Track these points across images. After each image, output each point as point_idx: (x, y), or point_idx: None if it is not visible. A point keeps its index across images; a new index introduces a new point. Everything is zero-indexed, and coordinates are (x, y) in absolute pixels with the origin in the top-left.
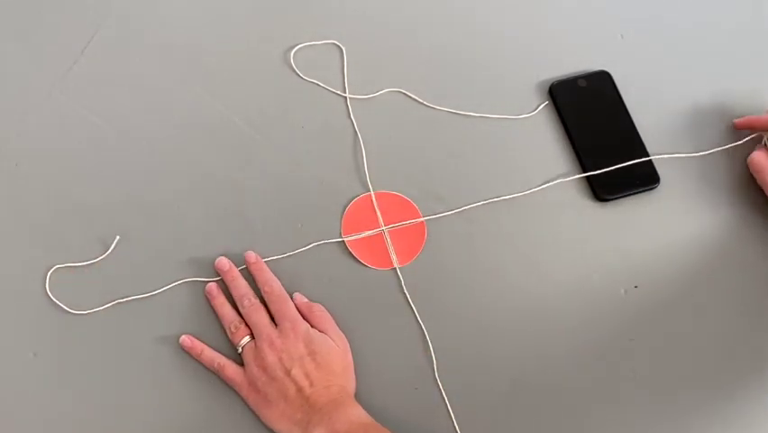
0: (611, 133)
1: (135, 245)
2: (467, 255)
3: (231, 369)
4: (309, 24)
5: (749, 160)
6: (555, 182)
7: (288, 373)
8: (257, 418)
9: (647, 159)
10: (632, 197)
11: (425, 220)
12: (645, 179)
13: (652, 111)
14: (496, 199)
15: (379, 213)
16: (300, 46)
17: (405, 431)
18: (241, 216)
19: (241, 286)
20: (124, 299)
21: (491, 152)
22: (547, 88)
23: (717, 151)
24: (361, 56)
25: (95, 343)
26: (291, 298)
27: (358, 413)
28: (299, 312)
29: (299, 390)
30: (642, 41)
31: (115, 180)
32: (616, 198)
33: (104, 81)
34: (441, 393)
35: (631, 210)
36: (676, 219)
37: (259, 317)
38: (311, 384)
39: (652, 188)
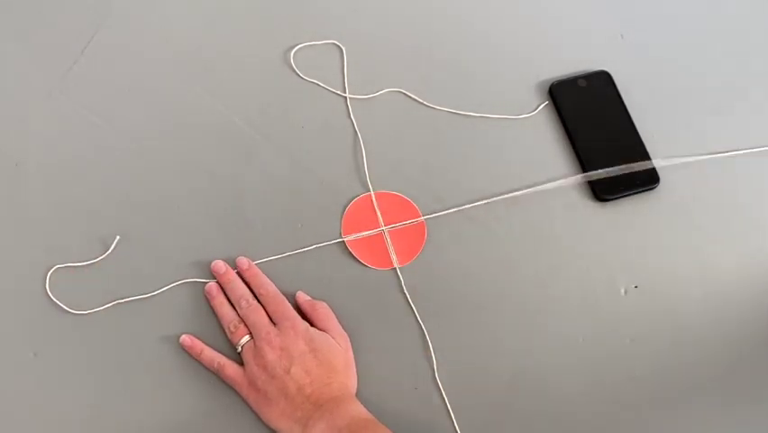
0: (611, 132)
1: (135, 245)
2: (467, 255)
3: (231, 368)
4: (309, 24)
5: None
6: (555, 183)
7: (287, 371)
8: (257, 417)
9: (648, 161)
10: (632, 197)
11: (425, 220)
12: (645, 179)
13: (652, 111)
14: (496, 199)
15: (379, 213)
16: (300, 46)
17: (405, 431)
18: (241, 216)
19: (238, 288)
20: (124, 300)
21: (491, 152)
22: (547, 88)
23: (717, 150)
24: (361, 56)
25: (95, 343)
26: (294, 295)
27: (359, 410)
28: (302, 309)
29: (300, 387)
30: (642, 41)
31: (115, 180)
32: (616, 198)
33: (104, 81)
34: (441, 393)
35: (631, 210)
36: (676, 219)
37: (257, 316)
38: (311, 382)
39: (652, 188)
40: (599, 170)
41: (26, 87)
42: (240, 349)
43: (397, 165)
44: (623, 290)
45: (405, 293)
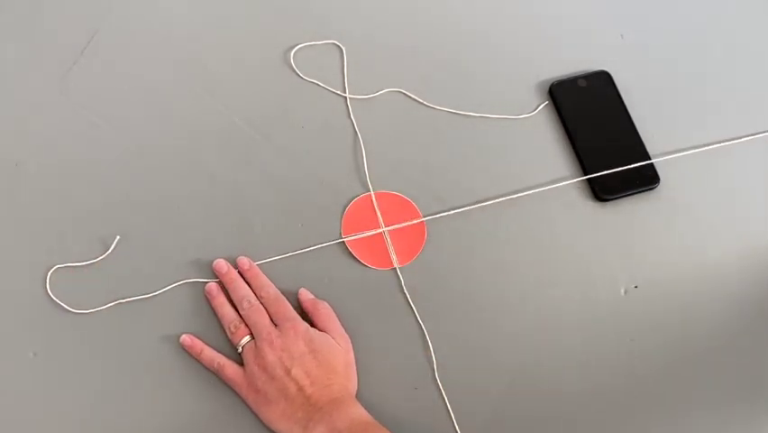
0: (611, 132)
1: (135, 245)
2: (467, 255)
3: (230, 369)
4: (309, 24)
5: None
6: (555, 182)
7: (288, 372)
8: (257, 418)
9: (648, 161)
10: (632, 197)
11: (425, 220)
12: (645, 179)
13: (652, 111)
14: (496, 198)
15: (379, 213)
16: (300, 46)
17: (405, 431)
18: (241, 216)
19: (240, 288)
20: (126, 300)
21: (491, 152)
22: (547, 88)
23: (717, 150)
24: (361, 56)
25: (95, 343)
26: (297, 293)
27: (359, 412)
28: (304, 308)
29: (300, 388)
30: (642, 41)
31: (115, 180)
32: (616, 198)
33: (104, 81)
34: (441, 393)
35: (631, 210)
36: (676, 219)
37: (259, 317)
38: (312, 383)
39: (652, 188)
40: (599, 170)
41: (26, 87)
42: (240, 349)
43: (397, 165)
44: (623, 290)
45: (405, 293)
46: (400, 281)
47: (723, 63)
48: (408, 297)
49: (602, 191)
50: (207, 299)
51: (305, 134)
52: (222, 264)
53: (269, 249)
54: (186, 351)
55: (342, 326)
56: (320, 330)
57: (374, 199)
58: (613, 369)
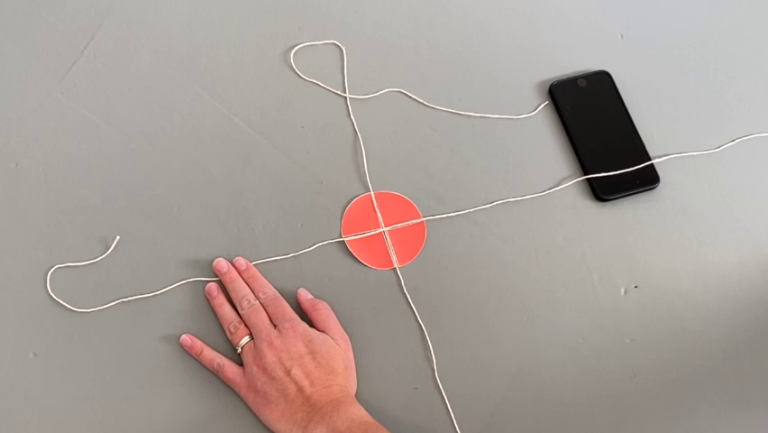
0: (611, 132)
1: (135, 245)
2: (467, 255)
3: (230, 369)
4: (309, 24)
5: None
6: (555, 183)
7: (287, 372)
8: (256, 418)
9: (648, 161)
10: (632, 197)
11: (425, 220)
12: (645, 179)
13: (652, 111)
14: (496, 198)
15: (379, 213)
16: (300, 46)
17: (405, 431)
18: (241, 216)
19: (240, 288)
20: (127, 299)
21: (491, 152)
22: (547, 88)
23: (717, 150)
24: (361, 56)
25: (95, 342)
26: (296, 293)
27: (359, 413)
28: (303, 308)
29: (299, 389)
30: (642, 41)
31: (115, 180)
32: (616, 198)
33: (104, 81)
34: (441, 393)
35: (631, 210)
36: (676, 219)
37: (258, 318)
38: (311, 384)
39: (652, 188)
40: (599, 171)
41: (26, 87)
42: (239, 350)
43: (397, 165)
44: (623, 290)
45: (405, 293)
46: (400, 281)
47: (723, 63)
48: (408, 297)
49: (602, 191)
50: (207, 299)
51: (305, 134)
52: (222, 264)
53: (269, 249)
54: (185, 351)
55: (342, 326)
56: (319, 330)
57: (374, 199)
58: (613, 369)
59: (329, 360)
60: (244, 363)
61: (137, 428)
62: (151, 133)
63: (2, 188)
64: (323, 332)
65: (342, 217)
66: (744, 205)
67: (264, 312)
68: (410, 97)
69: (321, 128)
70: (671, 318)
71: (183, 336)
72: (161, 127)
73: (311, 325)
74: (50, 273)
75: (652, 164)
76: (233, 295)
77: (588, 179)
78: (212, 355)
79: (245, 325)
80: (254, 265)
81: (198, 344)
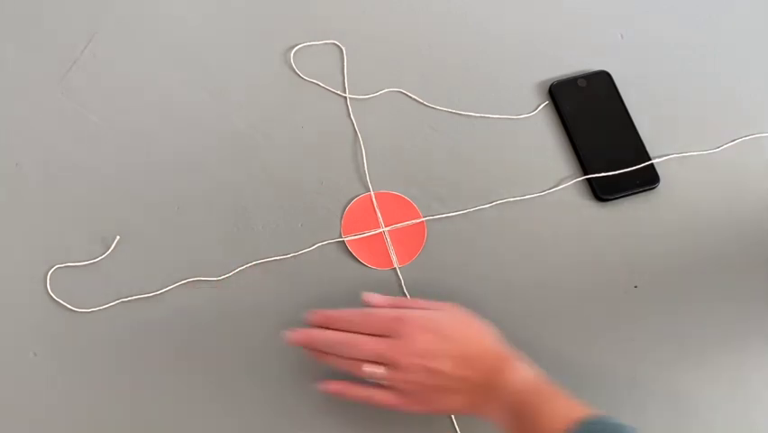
0: (611, 132)
1: (135, 245)
2: (467, 255)
3: (380, 395)
4: (309, 24)
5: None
6: (555, 183)
7: (436, 371)
8: (256, 418)
9: (648, 161)
10: (632, 197)
11: (425, 220)
12: (645, 178)
13: (652, 111)
14: (496, 198)
15: (379, 213)
16: (300, 46)
17: (405, 431)
18: (241, 216)
19: (334, 339)
20: (127, 299)
21: (491, 152)
22: (547, 88)
23: (717, 150)
24: (361, 56)
25: (95, 342)
26: (369, 304)
27: (521, 376)
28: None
29: (455, 378)
30: (642, 41)
31: (115, 180)
32: (616, 198)
33: (104, 81)
34: None
35: (631, 210)
36: (676, 219)
37: (374, 346)
38: (460, 365)
39: (652, 188)
40: (599, 171)
41: (26, 87)
42: (385, 382)
43: (397, 165)
44: (623, 290)
45: (405, 293)
46: (400, 281)
47: (723, 63)
48: (408, 297)
49: (602, 191)
50: (315, 359)
51: (305, 134)
52: (316, 315)
53: (270, 249)
54: (334, 395)
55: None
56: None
57: (374, 199)
58: (613, 369)
59: (460, 333)
60: (392, 386)
61: (137, 427)
62: (151, 133)
63: (2, 188)
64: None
65: (342, 217)
66: (744, 205)
67: (373, 338)
68: (410, 97)
69: (321, 128)
70: (671, 318)
71: (326, 384)
72: (161, 127)
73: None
74: (50, 273)
75: (652, 164)
76: (338, 350)
77: (588, 179)
78: (360, 392)
79: (370, 361)
80: (254, 265)
81: (348, 388)
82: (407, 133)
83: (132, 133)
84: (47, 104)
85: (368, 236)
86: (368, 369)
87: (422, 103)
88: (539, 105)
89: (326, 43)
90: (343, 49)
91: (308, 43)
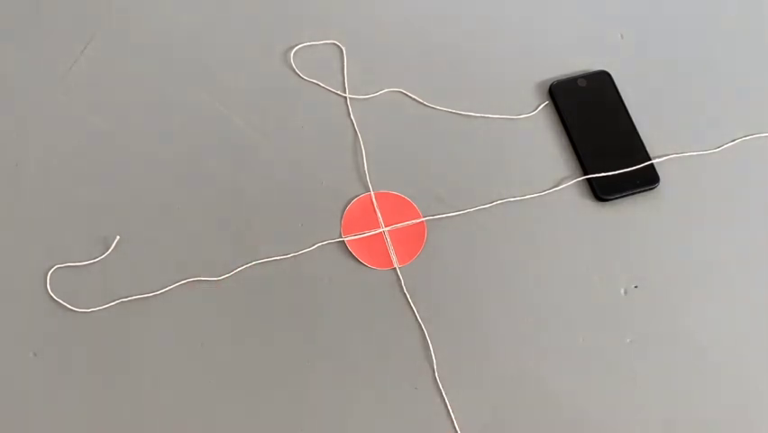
0: (611, 132)
1: (135, 245)
2: (467, 255)
3: None
4: (309, 24)
5: None
6: (555, 183)
7: None
8: (257, 418)
9: (648, 161)
10: (632, 197)
11: (425, 220)
12: (645, 178)
13: (652, 111)
14: (495, 198)
15: (379, 213)
16: (300, 46)
17: (405, 431)
18: (241, 216)
19: None
20: (127, 299)
21: (491, 152)
22: (547, 88)
23: (717, 150)
24: (361, 56)
25: (95, 342)
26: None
27: None
28: None
29: None
30: (642, 41)
31: (115, 180)
32: (615, 198)
33: (104, 81)
34: (441, 393)
35: (631, 210)
36: (676, 219)
37: None
38: None
39: (652, 188)
40: (599, 171)
41: (26, 87)
42: None
43: (397, 165)
44: (623, 290)
45: (405, 293)
46: (400, 281)
47: (723, 63)
48: (408, 297)
49: (602, 191)
50: None
51: (305, 134)
52: None
53: (269, 249)
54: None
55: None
56: None
57: (374, 199)
58: (612, 369)
59: None
60: None
61: (137, 427)
62: (151, 133)
63: (2, 188)
64: None
65: (342, 217)
66: (744, 205)
67: None
68: (410, 97)
69: (321, 128)
70: (671, 318)
71: None
72: (161, 127)
73: None
74: (50, 273)
75: (652, 164)
76: None
77: (588, 179)
78: None
79: None
80: (254, 265)
81: None
82: (407, 133)
83: (132, 133)
84: (47, 104)
85: (368, 236)
86: None
87: (422, 103)
88: (539, 105)
89: (326, 43)
90: (343, 49)
91: (308, 43)
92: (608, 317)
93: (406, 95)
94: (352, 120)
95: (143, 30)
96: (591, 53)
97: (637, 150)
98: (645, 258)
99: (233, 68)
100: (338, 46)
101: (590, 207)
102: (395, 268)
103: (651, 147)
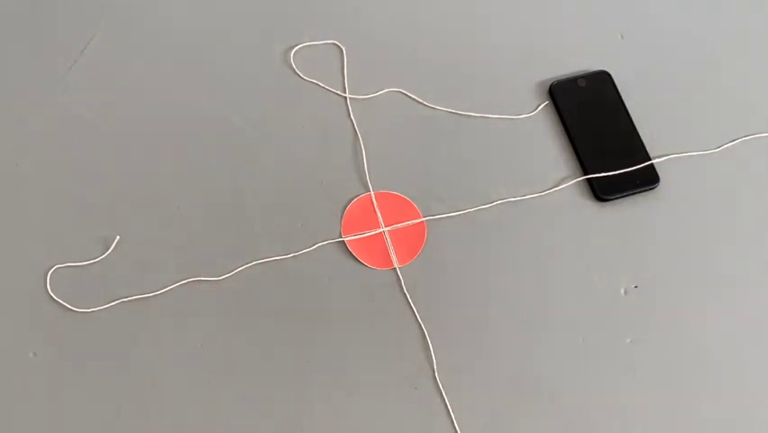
0: (611, 132)
1: (135, 245)
2: (467, 255)
3: None
4: (309, 24)
5: None
6: (555, 182)
7: None
8: (256, 418)
9: (648, 161)
10: (632, 197)
11: (425, 220)
12: (645, 178)
13: (652, 111)
14: (495, 198)
15: (379, 213)
16: (300, 46)
17: (405, 431)
18: (241, 217)
19: None
20: (127, 299)
21: (491, 152)
22: (547, 88)
23: (717, 150)
24: (361, 56)
25: (95, 342)
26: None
27: None
28: None
29: None
30: (642, 41)
31: (116, 180)
32: (616, 198)
33: (104, 81)
34: (441, 393)
35: (631, 210)
36: (676, 219)
37: None
38: None
39: (652, 188)
40: (599, 171)
41: (26, 87)
42: None
43: (397, 165)
44: (623, 290)
45: (405, 293)
46: (400, 281)
47: (723, 63)
48: (408, 297)
49: (602, 191)
50: None
51: (305, 134)
52: None
53: (270, 249)
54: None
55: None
56: None
57: (374, 199)
58: (612, 369)
59: None
60: None
61: (136, 428)
62: (151, 133)
63: (2, 188)
64: None
65: (342, 217)
66: (744, 205)
67: None
68: (410, 97)
69: (321, 128)
70: (671, 318)
71: None
72: (161, 127)
73: None
74: (50, 273)
75: (652, 164)
76: None
77: (588, 179)
78: None
79: None
80: (254, 265)
81: None
82: (407, 133)
83: (132, 133)
84: (47, 104)
85: (368, 236)
86: None
87: (422, 103)
88: (539, 105)
89: (326, 43)
90: (343, 49)
91: (308, 43)
92: (608, 317)
93: (406, 95)
94: (352, 120)
95: (143, 30)
96: (591, 53)
97: (637, 150)
98: (645, 258)
99: (233, 67)
100: (338, 46)
101: (590, 206)
102: (395, 268)
103: (651, 147)
